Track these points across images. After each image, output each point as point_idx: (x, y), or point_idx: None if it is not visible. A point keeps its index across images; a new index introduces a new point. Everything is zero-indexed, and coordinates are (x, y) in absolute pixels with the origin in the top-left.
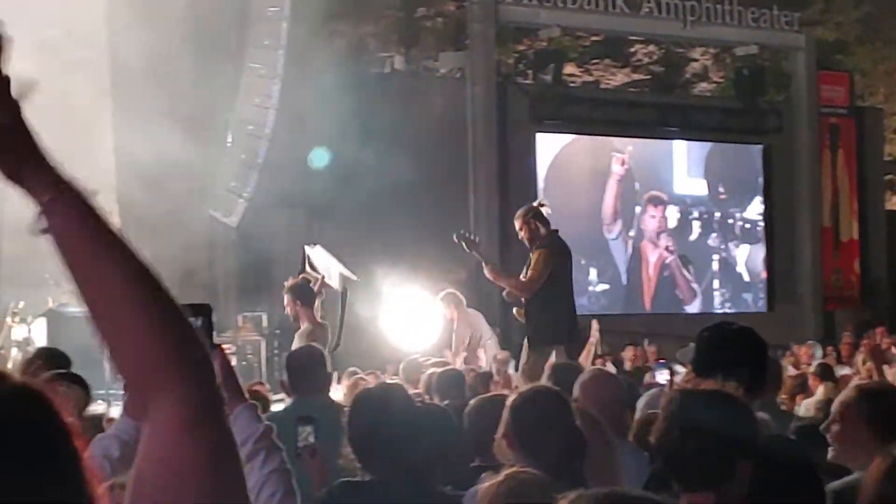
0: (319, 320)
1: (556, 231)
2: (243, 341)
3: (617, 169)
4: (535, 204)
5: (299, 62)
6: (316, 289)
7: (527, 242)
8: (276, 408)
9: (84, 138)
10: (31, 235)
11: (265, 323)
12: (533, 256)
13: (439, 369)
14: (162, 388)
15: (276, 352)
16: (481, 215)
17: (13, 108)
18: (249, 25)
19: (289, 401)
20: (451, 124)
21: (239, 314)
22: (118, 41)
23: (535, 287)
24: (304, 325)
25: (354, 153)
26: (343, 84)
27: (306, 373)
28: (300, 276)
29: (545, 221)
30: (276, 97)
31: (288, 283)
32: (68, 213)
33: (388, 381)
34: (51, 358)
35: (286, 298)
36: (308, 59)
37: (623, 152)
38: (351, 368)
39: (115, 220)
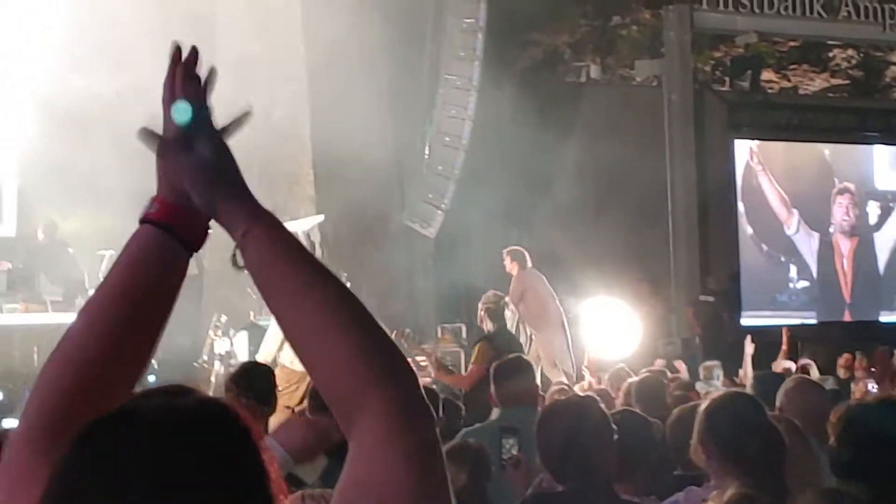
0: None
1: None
2: (443, 353)
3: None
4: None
5: (495, 73)
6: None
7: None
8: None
9: (285, 153)
10: (234, 270)
11: (464, 334)
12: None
13: (638, 377)
14: (367, 404)
15: None
16: (679, 222)
17: (216, 144)
18: (445, 37)
19: (495, 412)
20: (647, 133)
21: (438, 325)
22: (316, 56)
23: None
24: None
25: (550, 163)
26: (538, 94)
27: (512, 383)
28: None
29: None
30: (473, 108)
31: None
32: (261, 245)
33: (582, 393)
34: (248, 373)
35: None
36: (503, 70)
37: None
38: (556, 382)
39: (314, 232)
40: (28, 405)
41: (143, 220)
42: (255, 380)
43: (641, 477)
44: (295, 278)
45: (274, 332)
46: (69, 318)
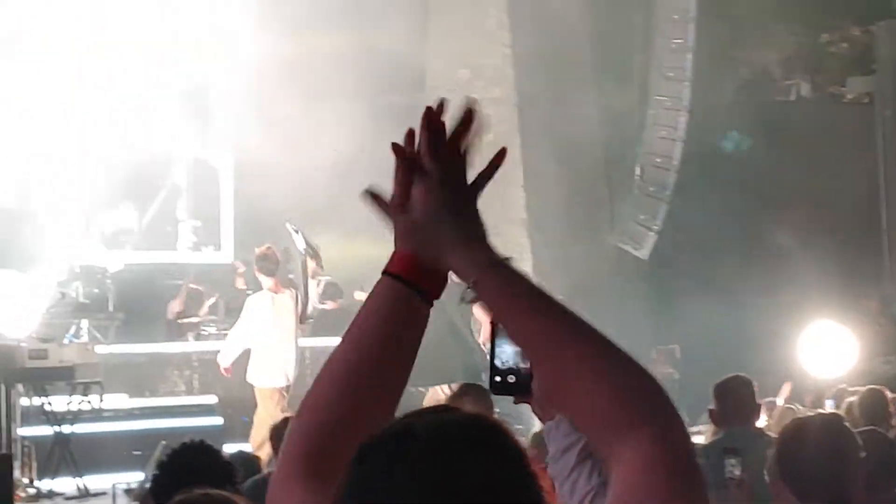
0: None
1: None
2: (658, 374)
3: None
4: None
5: (704, 93)
6: None
7: None
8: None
9: (495, 176)
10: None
11: (678, 355)
12: None
13: (858, 395)
14: (629, 435)
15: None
16: (894, 240)
17: (460, 194)
18: (654, 58)
19: (706, 430)
20: (859, 150)
21: (652, 347)
22: (524, 79)
23: None
24: None
25: (761, 182)
26: (748, 113)
27: (735, 403)
28: None
29: None
30: (683, 128)
31: None
32: (491, 294)
33: (823, 412)
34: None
35: None
36: (713, 90)
37: None
38: (768, 399)
39: (526, 254)
40: (288, 444)
41: (384, 273)
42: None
43: (887, 497)
44: (536, 319)
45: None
46: None
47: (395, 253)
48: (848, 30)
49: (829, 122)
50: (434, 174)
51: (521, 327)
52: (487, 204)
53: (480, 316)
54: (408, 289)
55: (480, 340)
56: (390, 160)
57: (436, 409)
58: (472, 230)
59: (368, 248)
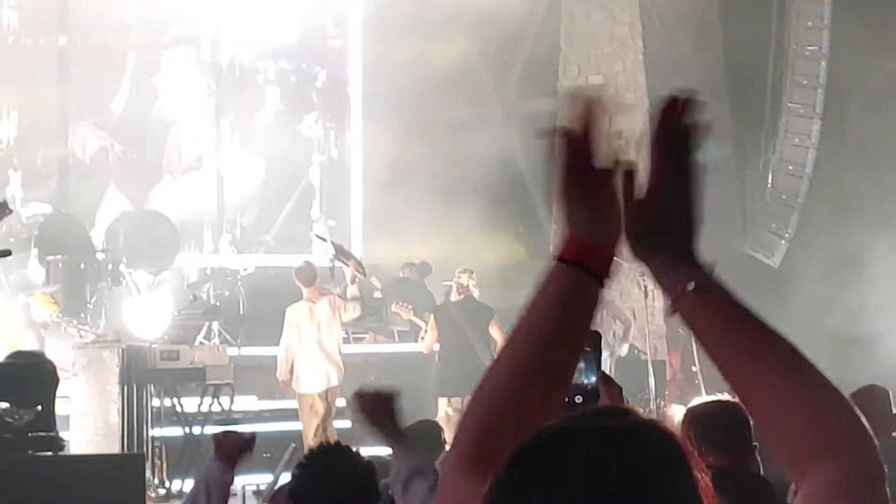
0: None
1: None
2: None
3: None
4: None
5: (838, 100)
6: None
7: None
8: None
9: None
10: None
11: None
12: None
13: None
14: (823, 456)
15: None
16: None
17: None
18: (787, 64)
19: None
20: None
21: None
22: (656, 85)
23: None
24: None
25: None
26: (883, 121)
27: (871, 414)
28: None
29: None
30: (817, 136)
31: None
32: (695, 311)
33: None
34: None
35: None
36: (846, 98)
37: None
38: None
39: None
40: (456, 440)
41: (560, 260)
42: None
43: None
44: (742, 340)
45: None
46: (412, 347)
47: (569, 239)
48: None
49: None
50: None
51: (725, 342)
52: None
53: (496, 335)
54: (585, 275)
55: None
56: (527, 163)
57: (599, 412)
58: (693, 236)
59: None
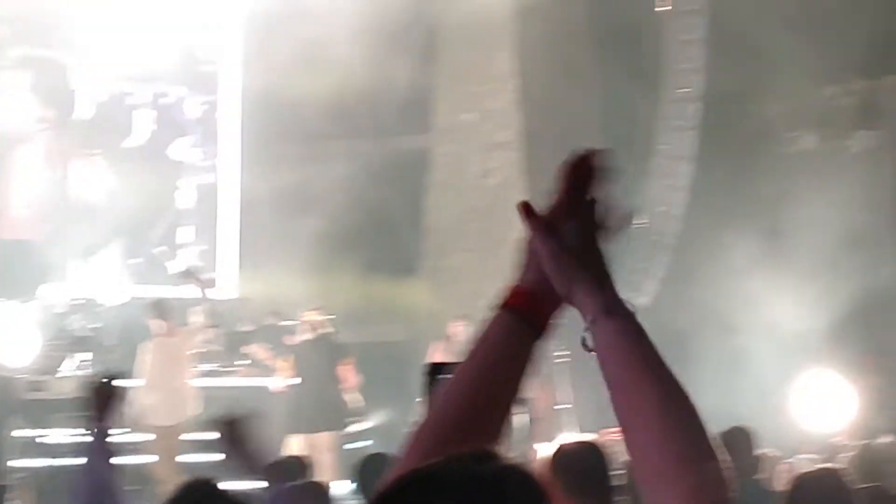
0: None
1: None
2: None
3: None
4: None
5: (710, 143)
6: None
7: None
8: None
9: (500, 218)
10: (583, 350)
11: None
12: None
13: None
14: (669, 486)
15: None
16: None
17: (589, 232)
18: (660, 106)
19: None
20: (864, 204)
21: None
22: (531, 123)
23: None
24: None
25: (764, 233)
26: (755, 164)
27: (734, 456)
28: None
29: None
30: (687, 178)
31: None
32: (604, 338)
33: (829, 465)
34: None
35: None
36: (718, 140)
37: None
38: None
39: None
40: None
41: (501, 307)
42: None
43: None
44: (637, 369)
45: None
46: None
47: (514, 288)
48: (854, 83)
49: (835, 175)
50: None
51: (624, 369)
52: (494, 246)
53: (344, 373)
54: (524, 325)
55: (346, 397)
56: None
57: (464, 457)
58: (601, 268)
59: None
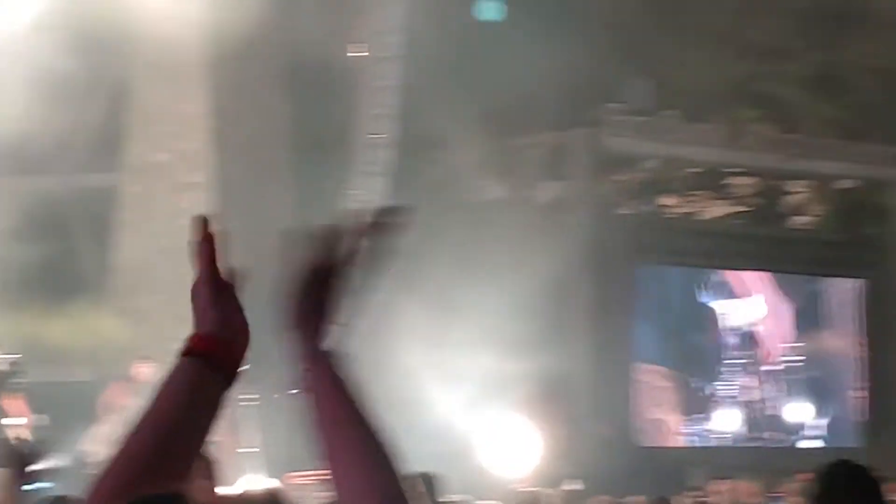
0: None
1: None
2: None
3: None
4: None
5: (399, 189)
6: None
7: None
8: None
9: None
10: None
11: None
12: None
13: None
14: None
15: None
16: (576, 342)
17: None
18: (350, 151)
19: None
20: (549, 253)
21: None
22: (223, 165)
23: None
24: None
25: (457, 279)
26: (441, 212)
27: None
28: None
29: None
30: None
31: None
32: (322, 380)
33: None
34: None
35: None
36: (407, 186)
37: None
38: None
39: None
40: None
41: (183, 354)
42: None
43: None
44: (342, 414)
45: None
46: None
47: (196, 335)
48: (543, 134)
49: (521, 225)
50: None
51: (331, 414)
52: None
53: (10, 406)
54: (209, 369)
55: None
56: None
57: (148, 500)
58: (316, 317)
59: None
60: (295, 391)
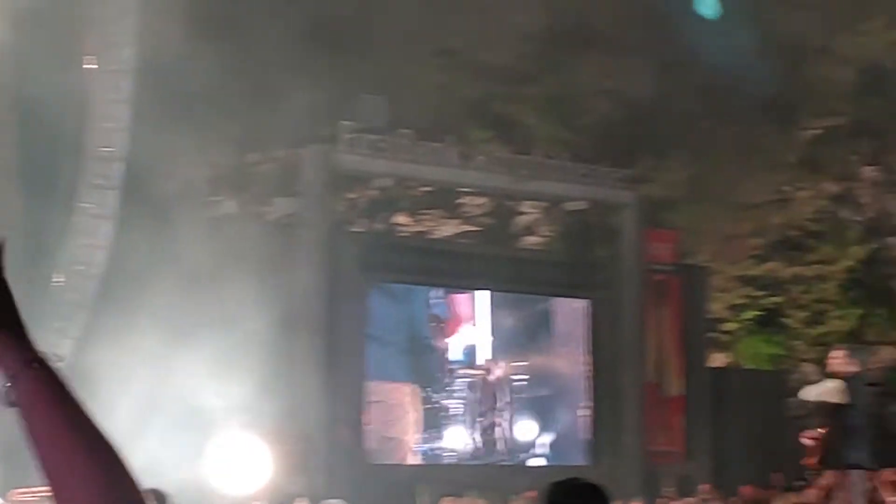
0: None
1: None
2: None
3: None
4: None
5: (133, 203)
6: None
7: None
8: None
9: None
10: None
11: None
12: None
13: None
14: None
15: None
16: (308, 360)
17: None
18: (82, 165)
19: None
20: (282, 271)
21: None
22: None
23: None
24: None
25: (189, 295)
26: (175, 226)
27: None
28: None
29: None
30: (108, 236)
31: None
32: (31, 391)
33: None
34: None
35: None
36: (141, 201)
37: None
38: None
39: None
40: None
41: None
42: None
43: None
44: (59, 422)
45: None
46: None
47: None
48: (276, 150)
49: (254, 240)
50: None
51: (48, 424)
52: None
53: None
54: None
55: None
56: None
57: None
58: (13, 323)
59: None
60: (8, 402)
